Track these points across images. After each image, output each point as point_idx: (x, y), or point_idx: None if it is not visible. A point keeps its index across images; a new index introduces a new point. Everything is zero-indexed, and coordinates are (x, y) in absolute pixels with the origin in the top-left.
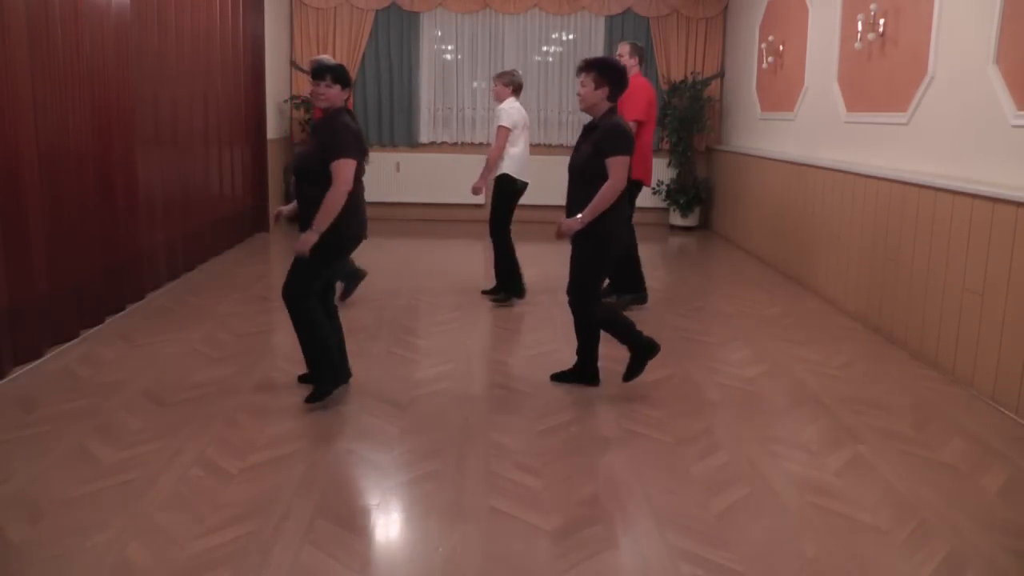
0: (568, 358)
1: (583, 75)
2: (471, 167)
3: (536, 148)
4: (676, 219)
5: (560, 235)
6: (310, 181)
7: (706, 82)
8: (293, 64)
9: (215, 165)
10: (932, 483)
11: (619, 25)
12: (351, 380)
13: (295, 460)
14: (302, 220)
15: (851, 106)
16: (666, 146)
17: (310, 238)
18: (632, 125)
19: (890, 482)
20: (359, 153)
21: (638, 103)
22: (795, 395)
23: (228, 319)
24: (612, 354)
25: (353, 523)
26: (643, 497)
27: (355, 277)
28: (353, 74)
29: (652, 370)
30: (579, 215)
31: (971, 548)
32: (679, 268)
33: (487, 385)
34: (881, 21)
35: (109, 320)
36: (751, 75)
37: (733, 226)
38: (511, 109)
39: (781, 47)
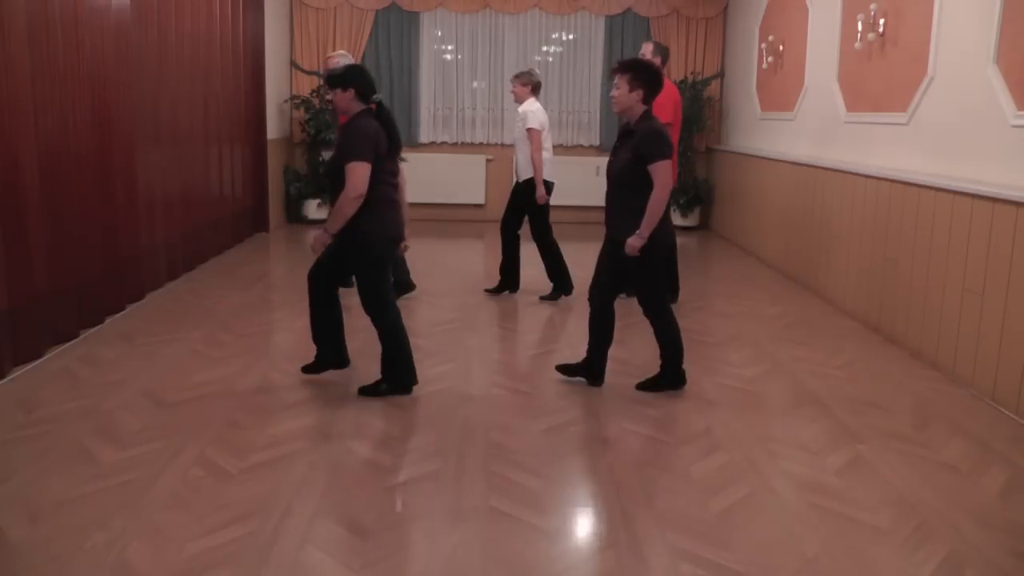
0: (568, 358)
1: (617, 77)
2: (471, 167)
3: None
4: (676, 219)
5: (631, 254)
6: (336, 184)
7: (706, 82)
8: (293, 64)
9: (215, 165)
10: (932, 483)
11: (619, 25)
12: (351, 381)
13: (295, 460)
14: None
15: (851, 106)
16: None
17: (323, 237)
18: None
19: (890, 482)
20: (372, 155)
21: (664, 106)
22: (795, 395)
23: (228, 319)
24: (613, 354)
25: (353, 523)
26: (643, 497)
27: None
28: None
29: (652, 369)
30: (638, 231)
31: (971, 548)
32: (679, 268)
33: (487, 385)
34: (881, 21)
35: (109, 320)
36: (751, 75)
37: (733, 226)
38: (537, 111)
39: (781, 47)
